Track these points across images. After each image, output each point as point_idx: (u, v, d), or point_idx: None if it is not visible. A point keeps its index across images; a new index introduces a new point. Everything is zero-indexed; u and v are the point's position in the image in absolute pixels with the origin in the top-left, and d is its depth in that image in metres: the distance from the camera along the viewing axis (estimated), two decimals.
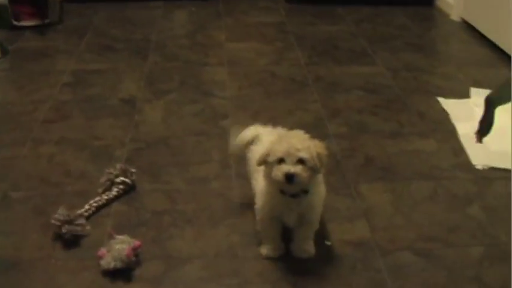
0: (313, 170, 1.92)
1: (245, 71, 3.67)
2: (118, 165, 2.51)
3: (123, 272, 2.04)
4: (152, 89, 3.41)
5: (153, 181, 2.57)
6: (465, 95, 3.37)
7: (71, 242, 2.18)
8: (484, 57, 3.94)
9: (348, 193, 2.49)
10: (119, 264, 2.03)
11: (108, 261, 2.03)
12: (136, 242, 2.09)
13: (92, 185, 2.50)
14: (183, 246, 2.19)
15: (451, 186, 2.56)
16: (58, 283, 2.02)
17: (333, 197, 2.36)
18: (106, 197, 2.40)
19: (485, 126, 2.36)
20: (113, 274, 2.03)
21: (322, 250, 2.17)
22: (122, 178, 2.46)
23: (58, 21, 4.44)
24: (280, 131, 2.21)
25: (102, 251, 2.07)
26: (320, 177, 2.04)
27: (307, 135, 1.98)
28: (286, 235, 2.14)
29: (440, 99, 3.31)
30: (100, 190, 2.45)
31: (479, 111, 3.14)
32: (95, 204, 2.35)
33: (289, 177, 1.88)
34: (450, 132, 2.99)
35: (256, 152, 2.12)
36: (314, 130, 2.91)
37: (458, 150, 2.83)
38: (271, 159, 1.92)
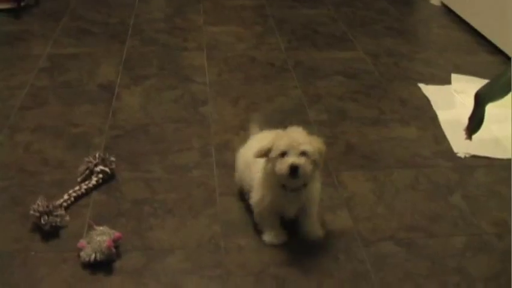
0: (315, 164, 1.96)
1: (224, 56, 3.63)
2: (97, 154, 2.47)
3: (103, 264, 2.01)
4: (130, 74, 3.35)
5: (133, 169, 2.54)
6: (446, 80, 3.37)
7: (50, 233, 2.14)
8: (464, 43, 3.94)
9: (330, 182, 2.47)
10: (99, 256, 1.99)
11: (89, 253, 2.00)
12: (117, 234, 2.07)
13: (71, 174, 2.46)
14: (164, 237, 2.17)
15: (432, 175, 2.56)
16: (37, 276, 1.99)
17: None
18: (85, 187, 2.36)
19: (475, 123, 2.36)
20: (93, 266, 2.00)
21: (305, 241, 2.16)
22: (101, 167, 2.43)
23: (34, 4, 4.34)
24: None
25: (82, 242, 2.03)
26: (317, 172, 2.07)
27: (306, 131, 2.01)
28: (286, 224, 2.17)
29: (421, 86, 3.30)
30: (79, 179, 2.41)
31: (460, 98, 3.17)
32: (74, 194, 2.31)
33: (294, 169, 1.90)
34: (431, 119, 2.98)
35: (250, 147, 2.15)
36: (295, 117, 2.94)
37: (440, 137, 2.82)
38: (274, 154, 1.94)
